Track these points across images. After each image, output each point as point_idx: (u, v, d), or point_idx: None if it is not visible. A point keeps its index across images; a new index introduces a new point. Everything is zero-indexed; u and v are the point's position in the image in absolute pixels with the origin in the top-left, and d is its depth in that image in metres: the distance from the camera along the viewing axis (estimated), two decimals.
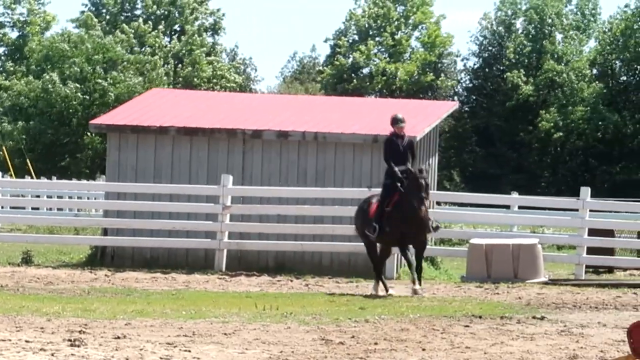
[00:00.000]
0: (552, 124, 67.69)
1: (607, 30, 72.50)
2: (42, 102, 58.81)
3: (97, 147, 55.23)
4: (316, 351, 11.39)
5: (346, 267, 22.37)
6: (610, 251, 23.98)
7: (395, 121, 18.31)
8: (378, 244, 18.73)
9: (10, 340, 11.37)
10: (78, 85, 58.55)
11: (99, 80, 58.98)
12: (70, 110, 58.42)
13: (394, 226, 17.74)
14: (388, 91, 72.00)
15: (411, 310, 15.92)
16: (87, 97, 58.52)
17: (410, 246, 18.39)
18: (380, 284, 18.41)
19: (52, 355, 10.48)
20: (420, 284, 18.02)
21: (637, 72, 71.24)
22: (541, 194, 41.36)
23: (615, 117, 66.92)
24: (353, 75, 75.51)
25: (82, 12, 70.13)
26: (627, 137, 66.70)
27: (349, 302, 16.92)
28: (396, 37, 76.00)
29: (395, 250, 20.15)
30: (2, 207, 32.11)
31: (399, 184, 17.70)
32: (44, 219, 30.62)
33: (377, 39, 76.16)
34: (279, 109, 27.10)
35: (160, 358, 10.57)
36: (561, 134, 67.74)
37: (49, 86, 58.26)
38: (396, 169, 17.82)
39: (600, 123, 66.95)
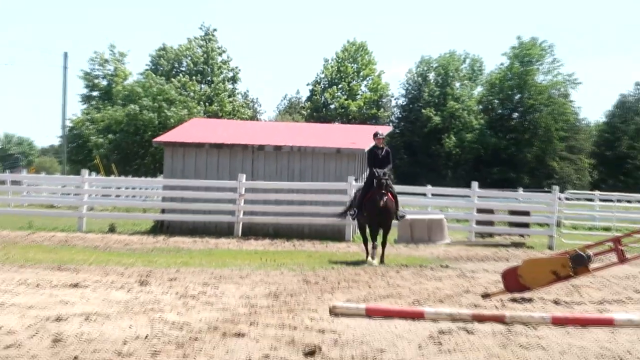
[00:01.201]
0: (452, 144, 68.45)
1: (488, 79, 72.99)
2: (125, 123, 58.43)
3: (159, 155, 54.85)
4: (300, 288, 11.43)
5: (320, 234, 22.33)
6: (491, 223, 24.08)
7: (376, 135, 16.72)
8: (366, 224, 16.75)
9: (101, 281, 11.37)
10: (152, 114, 58.26)
11: (165, 111, 58.73)
12: (144, 129, 58.04)
13: (368, 213, 16.18)
14: (346, 119, 72.01)
15: (361, 262, 15.97)
16: (157, 122, 58.16)
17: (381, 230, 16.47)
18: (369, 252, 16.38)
19: (128, 291, 10.48)
20: (381, 260, 15.86)
21: (508, 107, 71.80)
22: (446, 186, 41.34)
23: (493, 138, 67.72)
24: (324, 108, 75.59)
25: (145, 70, 70.25)
26: (502, 150, 67.29)
27: (322, 257, 16.94)
28: (351, 84, 76.10)
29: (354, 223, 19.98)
30: (96, 196, 31.75)
31: (374, 182, 16.00)
32: (123, 202, 30.56)
33: (339, 85, 76.23)
34: (275, 131, 27.11)
35: (199, 292, 10.58)
36: (458, 149, 68.45)
37: (131, 112, 57.98)
38: (374, 171, 16.12)
39: (484, 142, 67.67)
